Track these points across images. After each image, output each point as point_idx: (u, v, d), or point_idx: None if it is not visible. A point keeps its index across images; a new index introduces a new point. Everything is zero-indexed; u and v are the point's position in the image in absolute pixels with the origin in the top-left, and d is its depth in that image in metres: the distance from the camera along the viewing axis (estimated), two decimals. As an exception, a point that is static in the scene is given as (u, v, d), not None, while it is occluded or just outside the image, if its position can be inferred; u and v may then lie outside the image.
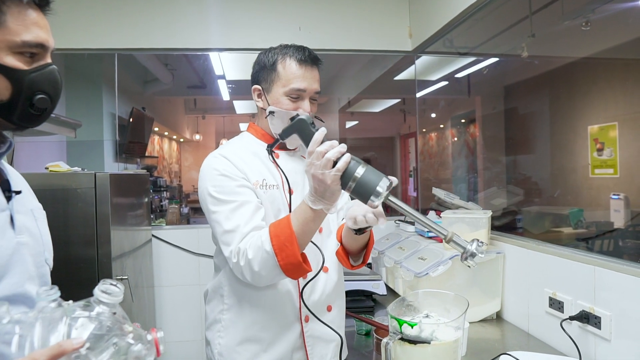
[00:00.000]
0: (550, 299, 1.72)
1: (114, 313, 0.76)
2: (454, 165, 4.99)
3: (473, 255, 1.12)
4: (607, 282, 1.48)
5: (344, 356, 1.49)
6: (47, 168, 2.26)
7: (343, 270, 1.58)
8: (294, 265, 1.24)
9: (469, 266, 1.14)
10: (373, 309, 2.23)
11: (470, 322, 1.96)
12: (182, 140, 7.07)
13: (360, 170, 1.11)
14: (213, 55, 3.48)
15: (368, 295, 2.30)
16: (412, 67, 3.36)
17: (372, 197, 1.10)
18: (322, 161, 1.12)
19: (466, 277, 2.01)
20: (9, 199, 0.97)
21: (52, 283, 2.07)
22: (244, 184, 1.38)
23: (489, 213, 2.09)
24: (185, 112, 6.96)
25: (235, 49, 3.07)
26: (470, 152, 4.77)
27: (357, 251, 1.48)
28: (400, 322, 1.18)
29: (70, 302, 0.76)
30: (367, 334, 1.91)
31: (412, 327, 1.16)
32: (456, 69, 4.02)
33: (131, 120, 4.30)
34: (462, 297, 1.25)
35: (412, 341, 1.16)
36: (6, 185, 0.99)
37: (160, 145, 6.34)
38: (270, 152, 1.32)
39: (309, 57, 1.41)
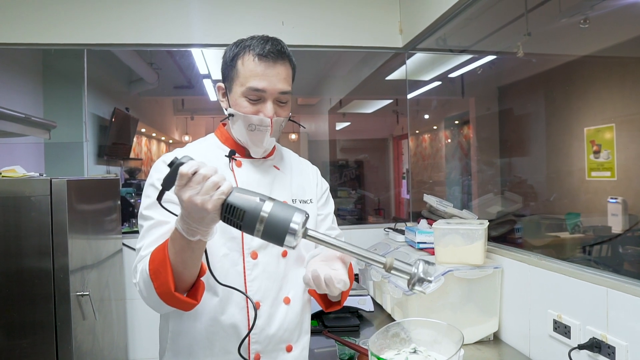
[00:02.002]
0: (555, 322, 1.54)
1: None
2: (448, 167, 4.90)
3: (421, 280, 0.93)
4: (622, 307, 1.29)
5: None
6: (0, 173, 2.06)
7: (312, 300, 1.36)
8: (167, 295, 1.01)
9: (423, 292, 0.95)
10: (359, 327, 2.04)
11: (464, 345, 1.77)
12: (171, 141, 6.90)
13: (266, 208, 0.90)
14: (197, 54, 3.31)
15: (353, 312, 2.11)
16: (404, 67, 3.20)
17: (287, 238, 0.90)
18: (206, 184, 0.89)
19: (460, 294, 1.82)
20: None
21: (3, 298, 1.89)
22: (172, 199, 1.12)
23: (486, 223, 1.90)
24: (174, 113, 6.82)
25: (215, 45, 2.89)
26: (464, 154, 4.67)
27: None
28: (383, 361, 0.99)
29: None
30: (350, 359, 1.72)
31: (395, 368, 0.97)
32: (449, 69, 3.91)
33: (113, 120, 4.14)
34: (455, 328, 1.07)
35: (396, 384, 0.98)
36: None
37: (148, 147, 6.18)
38: (159, 198, 0.99)
39: (271, 51, 1.17)
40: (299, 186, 1.35)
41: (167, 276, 1.00)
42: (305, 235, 0.93)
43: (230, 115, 1.23)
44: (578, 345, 1.38)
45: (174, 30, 2.81)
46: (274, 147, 1.35)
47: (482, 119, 4.54)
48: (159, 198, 0.96)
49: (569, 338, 1.46)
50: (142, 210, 1.19)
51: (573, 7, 2.84)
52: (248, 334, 1.14)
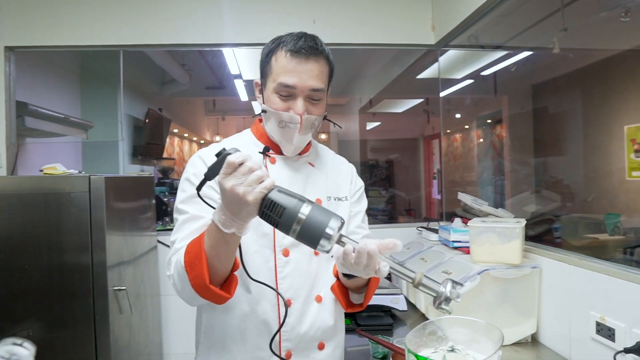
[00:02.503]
0: (598, 324, 1.48)
1: None
2: (480, 167, 4.82)
3: (448, 299, 0.94)
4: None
5: None
6: (41, 170, 2.12)
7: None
8: (202, 287, 1.02)
9: (448, 312, 0.96)
10: (392, 327, 2.01)
11: (501, 346, 1.73)
12: (202, 141, 7.01)
13: (305, 210, 0.90)
14: (228, 54, 3.35)
15: (386, 310, 2.08)
16: (436, 64, 3.15)
17: (321, 242, 0.90)
18: (251, 176, 0.90)
19: (497, 294, 1.78)
20: None
21: (44, 292, 1.95)
22: (207, 194, 1.16)
23: (523, 222, 1.85)
24: (205, 114, 6.92)
25: (247, 44, 2.91)
26: (497, 153, 4.58)
27: (356, 288, 1.26)
28: (420, 359, 0.97)
29: None
30: (384, 357, 1.70)
31: (433, 366, 0.96)
32: (482, 67, 3.83)
33: (147, 121, 4.23)
34: (494, 327, 1.04)
35: (434, 383, 0.96)
36: None
37: (180, 147, 6.30)
38: (198, 189, 1.00)
39: (302, 47, 1.14)
40: (334, 184, 1.34)
41: (202, 268, 1.01)
42: (339, 240, 0.93)
43: (263, 111, 1.23)
44: (624, 348, 1.33)
45: (206, 30, 2.85)
46: (310, 144, 1.35)
47: (515, 118, 4.45)
48: (199, 187, 0.98)
49: (613, 341, 1.41)
50: (178, 204, 1.20)
51: (613, 0, 2.75)
52: (278, 331, 1.14)
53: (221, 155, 0.92)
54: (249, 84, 4.30)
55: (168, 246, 2.75)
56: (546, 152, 4.18)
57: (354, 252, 0.96)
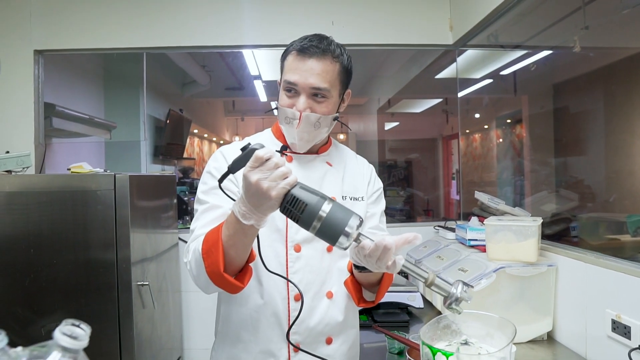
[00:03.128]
0: (614, 322, 1.49)
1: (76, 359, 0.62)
2: (499, 167, 4.78)
3: (458, 300, 0.97)
4: (685, 306, 1.25)
5: None
6: (69, 169, 2.20)
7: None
8: (217, 275, 1.06)
9: (458, 312, 1.00)
10: (408, 323, 2.04)
11: (516, 343, 1.74)
12: (222, 142, 7.09)
13: (326, 208, 0.93)
14: (248, 55, 3.40)
15: (403, 308, 2.11)
16: (454, 64, 3.16)
17: (341, 239, 0.93)
18: (276, 172, 0.93)
19: (512, 292, 1.79)
20: None
21: (71, 287, 2.02)
22: (227, 187, 1.19)
23: (539, 220, 1.86)
24: (225, 114, 6.99)
25: (266, 46, 2.96)
26: (517, 153, 4.54)
27: (369, 285, 1.28)
28: (434, 351, 1.00)
29: (20, 348, 0.62)
30: (400, 353, 1.73)
31: (447, 357, 0.98)
32: (501, 66, 3.81)
33: (168, 122, 4.31)
34: (508, 321, 1.06)
35: (448, 374, 0.98)
36: None
37: (200, 147, 6.38)
38: (220, 181, 1.03)
39: (305, 47, 1.20)
40: (351, 184, 1.37)
41: (218, 256, 1.05)
42: (357, 239, 0.96)
43: (275, 108, 1.29)
44: (639, 345, 1.33)
45: (226, 32, 2.90)
46: (329, 143, 1.39)
47: (535, 118, 4.40)
48: (222, 179, 1.02)
49: (629, 339, 1.41)
50: (199, 194, 1.25)
51: (635, -3, 2.72)
52: (294, 322, 1.18)
53: (247, 150, 0.96)
54: (268, 85, 4.35)
55: (189, 243, 2.83)
56: (567, 152, 4.13)
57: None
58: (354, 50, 2.98)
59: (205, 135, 6.51)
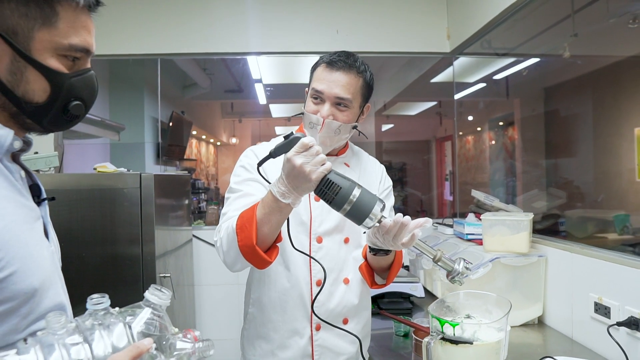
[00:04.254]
0: (596, 304, 1.67)
1: (160, 316, 0.79)
2: (492, 168, 4.91)
3: (461, 274, 1.17)
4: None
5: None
6: (95, 169, 2.35)
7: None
8: (249, 248, 1.20)
9: (460, 284, 1.20)
10: (411, 311, 2.22)
11: (510, 327, 1.92)
12: (219, 143, 7.19)
13: (356, 192, 1.08)
14: (251, 60, 3.54)
15: (406, 297, 2.29)
16: (450, 69, 3.33)
17: (366, 220, 1.09)
18: (317, 158, 1.09)
19: (507, 280, 1.98)
20: (38, 204, 0.91)
21: (98, 281, 2.16)
22: (257, 179, 1.36)
23: (530, 215, 2.05)
24: (222, 116, 7.06)
25: (272, 53, 3.12)
26: (509, 155, 4.68)
27: (380, 270, 1.46)
28: (442, 322, 1.18)
29: (117, 308, 0.77)
30: (406, 335, 1.91)
31: (454, 327, 1.16)
32: (494, 71, 3.96)
33: (171, 124, 4.43)
34: (504, 298, 1.24)
35: (454, 341, 1.16)
36: (37, 191, 0.94)
37: (198, 149, 6.46)
38: (259, 164, 1.19)
39: (334, 60, 1.36)
40: (365, 182, 1.52)
41: (251, 231, 1.19)
42: (380, 220, 1.12)
43: (302, 113, 1.44)
44: (617, 322, 1.52)
45: (233, 40, 3.06)
46: (347, 146, 1.55)
47: (527, 120, 4.55)
48: (261, 163, 1.18)
49: (609, 318, 1.60)
50: (232, 185, 1.42)
51: (621, 7, 2.87)
52: (313, 302, 1.35)
53: (292, 137, 1.12)
54: (274, 88, 4.47)
55: (202, 240, 2.98)
56: (557, 153, 4.27)
57: None
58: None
59: (203, 137, 6.61)
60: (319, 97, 1.38)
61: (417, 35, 3.09)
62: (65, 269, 2.14)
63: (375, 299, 2.27)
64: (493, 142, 5.01)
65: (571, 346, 1.78)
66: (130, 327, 0.74)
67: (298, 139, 1.11)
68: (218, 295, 3.03)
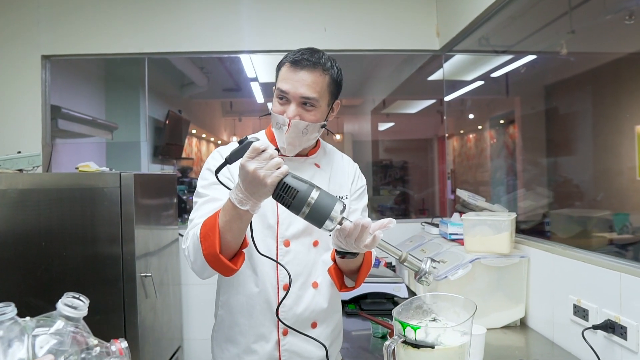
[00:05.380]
0: (575, 306, 1.64)
1: (77, 327, 0.76)
2: (493, 167, 4.88)
3: (427, 274, 1.15)
4: (634, 290, 1.39)
5: None
6: (77, 168, 2.35)
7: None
8: (213, 257, 1.18)
9: (427, 284, 1.19)
10: (393, 312, 2.19)
11: (491, 329, 1.89)
12: (219, 142, 7.19)
13: (314, 194, 1.06)
14: (244, 58, 3.53)
15: (389, 298, 2.26)
16: (446, 66, 3.30)
17: (327, 223, 1.07)
18: (271, 162, 1.06)
19: (488, 281, 1.94)
20: None
21: (79, 280, 2.16)
22: (221, 180, 1.34)
23: (513, 215, 2.01)
24: (222, 115, 7.07)
25: (262, 51, 3.11)
26: (510, 154, 4.65)
27: (350, 272, 1.43)
28: (404, 325, 1.15)
29: (27, 318, 0.74)
30: (384, 336, 1.88)
31: (415, 330, 1.13)
32: (493, 68, 3.92)
33: (167, 122, 4.43)
34: (471, 301, 1.21)
35: (416, 345, 1.13)
36: None
37: (199, 147, 6.47)
38: (217, 171, 1.17)
39: (297, 59, 1.32)
40: (336, 183, 1.50)
41: (214, 239, 1.17)
42: (341, 222, 1.09)
43: (268, 113, 1.41)
44: (593, 325, 1.48)
45: (225, 38, 3.05)
46: (318, 146, 1.52)
47: (527, 118, 4.51)
48: (219, 169, 1.16)
49: (587, 321, 1.57)
50: (199, 189, 1.39)
51: (618, 2, 2.83)
52: (278, 306, 1.33)
53: (245, 142, 1.09)
54: (265, 87, 4.47)
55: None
56: (557, 152, 4.24)
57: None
58: (346, 55, 3.14)
59: (204, 136, 6.61)
60: (284, 97, 1.34)
61: (406, 33, 3.06)
62: (46, 268, 2.16)
63: (357, 300, 2.25)
64: (494, 140, 4.97)
65: (551, 349, 1.75)
66: (35, 342, 0.70)
67: (250, 143, 1.08)
68: (205, 295, 3.01)
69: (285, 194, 1.07)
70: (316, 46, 3.07)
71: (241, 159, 1.09)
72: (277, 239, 1.40)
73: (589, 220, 3.39)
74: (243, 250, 1.27)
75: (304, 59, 1.32)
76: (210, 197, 1.35)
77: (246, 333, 1.42)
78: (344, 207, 1.10)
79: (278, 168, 1.07)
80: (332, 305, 1.49)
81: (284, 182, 1.07)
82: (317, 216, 1.07)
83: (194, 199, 1.41)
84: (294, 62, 1.33)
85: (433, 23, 3.05)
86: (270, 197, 1.12)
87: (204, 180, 1.40)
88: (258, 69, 3.93)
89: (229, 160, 1.13)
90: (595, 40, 3.47)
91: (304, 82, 1.32)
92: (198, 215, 1.33)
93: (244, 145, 1.09)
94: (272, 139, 1.48)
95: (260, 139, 1.12)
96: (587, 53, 3.71)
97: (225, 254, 1.21)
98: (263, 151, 1.07)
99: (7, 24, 2.90)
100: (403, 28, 3.05)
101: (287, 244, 1.41)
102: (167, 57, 3.36)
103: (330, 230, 1.10)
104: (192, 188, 4.95)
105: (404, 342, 1.14)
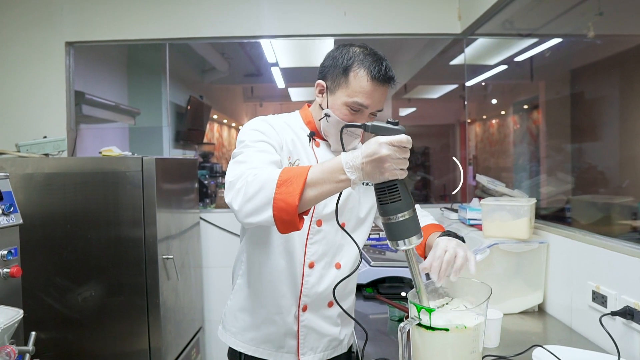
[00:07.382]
0: (594, 292, 1.62)
1: None
2: (516, 153, 4.82)
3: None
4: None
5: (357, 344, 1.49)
6: (100, 152, 2.40)
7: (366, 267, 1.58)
8: (287, 204, 1.07)
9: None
10: (410, 296, 2.20)
11: (509, 314, 1.89)
12: (240, 127, 7.22)
13: (408, 214, 1.04)
14: (265, 44, 3.54)
15: (407, 282, 2.27)
16: (468, 50, 3.24)
17: (399, 242, 1.06)
18: (403, 161, 1.02)
19: (506, 266, 1.93)
20: None
21: (102, 262, 2.23)
22: (274, 144, 1.32)
23: (533, 201, 1.99)
24: (244, 100, 7.11)
25: (282, 36, 3.11)
26: (533, 139, 4.58)
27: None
28: (419, 308, 1.16)
29: None
30: (400, 319, 1.89)
31: (429, 312, 1.14)
32: (517, 52, 3.85)
33: (189, 108, 4.48)
34: (486, 285, 1.21)
35: (431, 327, 1.14)
36: None
37: (220, 133, 6.53)
38: (311, 139, 1.29)
39: (383, 76, 1.30)
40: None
41: (297, 188, 1.07)
42: (407, 251, 1.10)
43: (327, 115, 1.37)
44: (611, 312, 1.47)
45: (245, 23, 3.06)
46: None
47: (552, 103, 4.43)
48: (349, 126, 1.17)
49: (606, 307, 1.55)
50: (248, 142, 1.31)
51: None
52: (302, 288, 1.38)
53: (397, 127, 1.05)
54: (285, 72, 4.46)
55: (209, 222, 3.02)
56: (583, 138, 4.16)
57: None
58: (366, 39, 3.11)
59: (225, 121, 6.66)
60: (360, 110, 1.33)
61: (427, 16, 3.02)
62: (72, 250, 2.22)
63: (375, 283, 2.26)
64: (518, 126, 4.89)
65: (569, 335, 1.74)
66: None
67: (400, 132, 1.04)
68: (226, 278, 3.05)
69: (388, 193, 1.05)
70: (336, 31, 3.05)
71: (382, 137, 1.04)
72: (311, 217, 1.42)
73: (611, 207, 3.33)
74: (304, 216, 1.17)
75: (388, 77, 1.32)
76: (263, 149, 1.30)
77: (266, 305, 1.45)
78: (420, 241, 1.08)
79: (402, 169, 1.04)
80: (349, 285, 1.54)
81: (395, 184, 1.05)
82: (395, 232, 1.06)
83: (237, 151, 1.31)
84: (376, 78, 1.30)
85: (454, 6, 3.00)
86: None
87: (253, 137, 1.33)
88: (278, 53, 3.94)
89: (371, 128, 1.08)
90: (625, 22, 3.37)
91: (382, 98, 1.35)
92: (255, 160, 1.24)
93: (395, 129, 1.05)
94: (309, 122, 1.48)
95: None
96: (615, 35, 3.61)
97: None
98: (404, 147, 1.03)
99: (31, 10, 2.96)
100: (424, 11, 3.01)
101: (319, 223, 1.43)
102: (188, 43, 3.39)
103: (396, 250, 1.11)
104: (213, 173, 5.01)
105: (419, 324, 1.15)
